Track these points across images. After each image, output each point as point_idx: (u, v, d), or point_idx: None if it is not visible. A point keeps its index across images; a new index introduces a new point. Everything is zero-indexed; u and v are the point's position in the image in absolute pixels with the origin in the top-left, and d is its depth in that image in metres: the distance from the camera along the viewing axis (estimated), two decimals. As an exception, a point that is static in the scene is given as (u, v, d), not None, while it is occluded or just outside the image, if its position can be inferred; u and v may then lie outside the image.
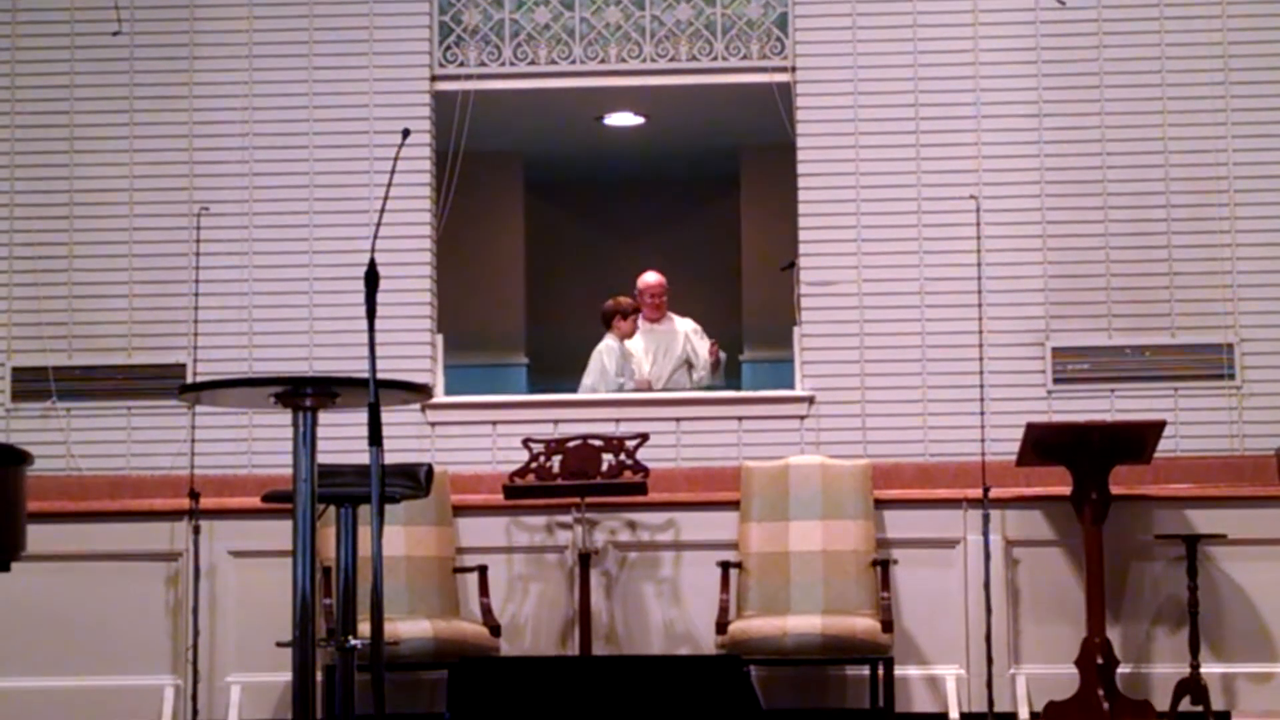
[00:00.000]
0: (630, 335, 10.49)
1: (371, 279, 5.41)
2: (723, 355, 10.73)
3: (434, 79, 9.03)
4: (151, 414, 8.78)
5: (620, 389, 10.08)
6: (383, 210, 5.79)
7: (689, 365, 10.65)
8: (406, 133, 5.79)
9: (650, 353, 10.63)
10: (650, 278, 10.81)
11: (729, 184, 12.84)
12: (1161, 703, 8.09)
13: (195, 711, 8.17)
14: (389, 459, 5.44)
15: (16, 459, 5.95)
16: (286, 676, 5.77)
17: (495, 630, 8.01)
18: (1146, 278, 8.69)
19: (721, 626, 7.92)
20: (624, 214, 13.46)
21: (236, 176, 8.92)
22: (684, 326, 10.75)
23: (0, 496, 5.84)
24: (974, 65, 8.83)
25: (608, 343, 10.42)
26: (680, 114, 11.08)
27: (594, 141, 12.03)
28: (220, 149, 8.95)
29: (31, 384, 8.83)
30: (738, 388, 11.05)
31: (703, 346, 10.65)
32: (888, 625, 7.77)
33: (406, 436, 8.57)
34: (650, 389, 10.28)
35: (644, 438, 8.17)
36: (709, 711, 6.30)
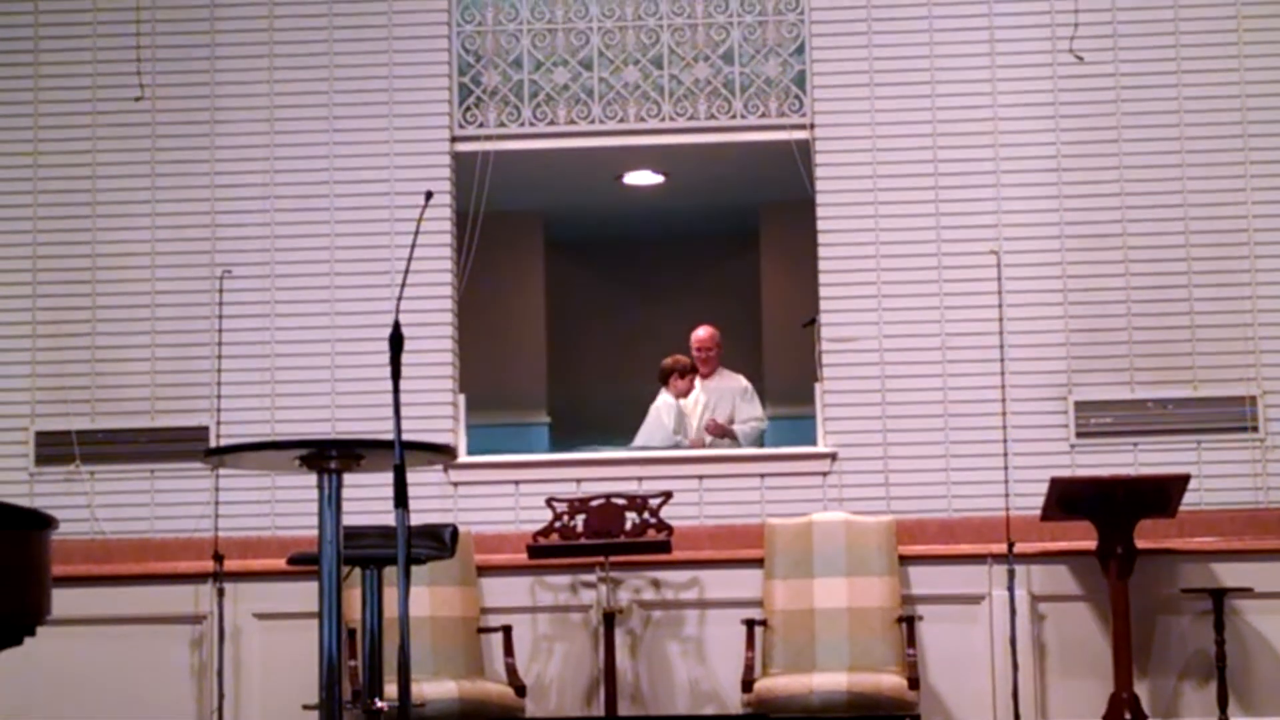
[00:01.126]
0: (686, 394, 10.49)
1: (396, 341, 5.41)
2: (744, 430, 10.59)
3: (454, 140, 9.06)
4: (175, 477, 8.79)
5: (677, 446, 10.09)
6: (406, 272, 5.80)
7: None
8: (429, 195, 5.81)
9: (702, 408, 10.60)
10: (701, 332, 10.81)
11: (749, 241, 12.85)
12: (1190, 758, 8.06)
13: (220, 775, 8.16)
14: (411, 520, 5.44)
15: (41, 523, 5.95)
16: (312, 739, 5.76)
17: (520, 691, 7.99)
18: (1168, 330, 8.68)
19: (747, 685, 7.90)
20: (644, 272, 13.48)
21: (258, 239, 8.95)
22: (735, 384, 10.70)
23: (25, 561, 5.84)
24: (993, 120, 8.85)
25: (665, 399, 10.44)
26: (700, 172, 11.10)
27: (614, 200, 12.05)
28: (242, 212, 8.98)
29: (55, 448, 8.85)
30: (760, 445, 11.02)
31: (746, 408, 10.59)
32: (914, 682, 7.74)
33: (429, 497, 8.57)
34: (703, 447, 10.26)
35: (667, 496, 8.17)
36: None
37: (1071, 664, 8.31)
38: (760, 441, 10.47)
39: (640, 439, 10.34)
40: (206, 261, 8.93)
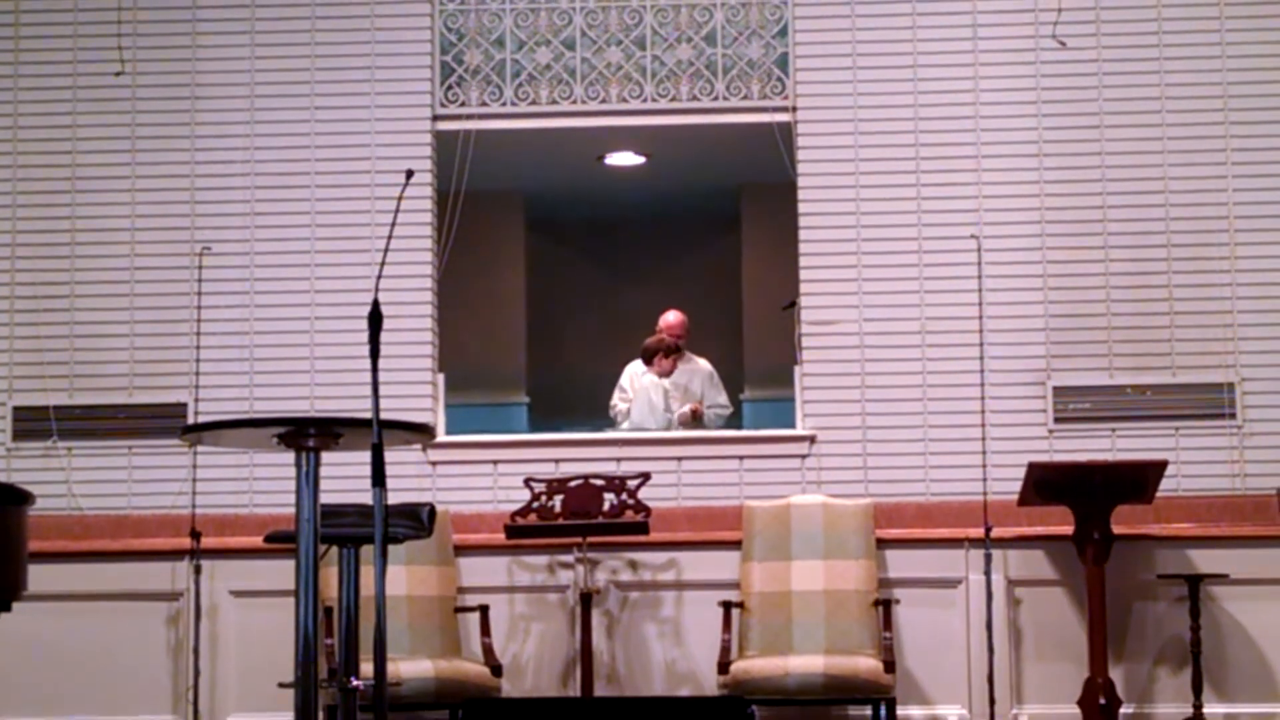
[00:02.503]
0: (668, 374, 10.49)
1: (375, 320, 5.41)
2: (711, 416, 10.59)
3: (435, 119, 9.05)
4: (153, 453, 8.77)
5: (668, 425, 10.10)
6: (386, 250, 5.80)
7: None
8: (410, 174, 5.80)
9: (670, 390, 10.60)
10: (671, 316, 10.81)
11: (730, 223, 12.85)
12: (1164, 743, 8.09)
13: (196, 752, 8.16)
14: (389, 498, 5.44)
15: (17, 499, 5.95)
16: (288, 717, 5.76)
17: (497, 670, 7.99)
18: (1147, 317, 8.70)
19: (723, 666, 7.91)
20: (625, 253, 13.47)
21: (238, 216, 8.93)
22: (702, 369, 10.70)
23: (1, 537, 5.83)
24: (975, 105, 8.85)
25: (652, 379, 10.42)
26: (681, 153, 11.09)
27: (595, 181, 12.04)
28: (222, 189, 8.96)
29: (32, 423, 8.83)
30: (739, 427, 11.04)
31: (713, 394, 10.60)
32: (890, 665, 7.76)
33: (407, 476, 8.56)
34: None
35: (645, 477, 8.17)
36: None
37: (1047, 649, 8.33)
38: (722, 424, 10.48)
39: (635, 418, 10.31)
40: (186, 238, 8.91)
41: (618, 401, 10.60)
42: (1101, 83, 8.83)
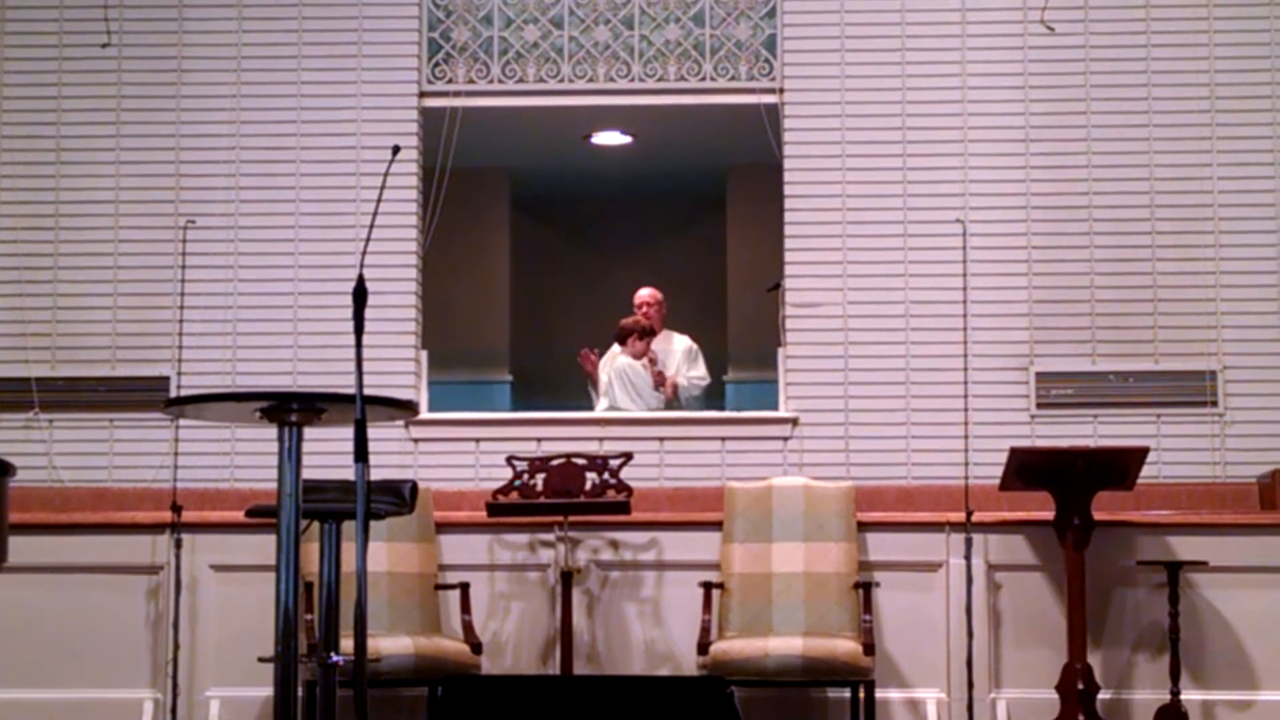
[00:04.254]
0: (642, 356, 10.43)
1: (360, 295, 5.39)
2: (685, 384, 10.54)
3: (422, 95, 9.04)
4: (134, 426, 8.77)
5: (646, 407, 10.07)
6: (371, 226, 5.79)
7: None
8: (397, 149, 5.78)
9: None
10: (644, 292, 10.76)
11: (716, 204, 12.85)
12: (1141, 729, 8.11)
13: (174, 725, 8.15)
14: (371, 475, 5.43)
15: (-1, 470, 5.94)
16: (267, 691, 5.76)
17: (476, 648, 7.99)
18: (1131, 304, 8.72)
19: (703, 647, 7.91)
20: (610, 233, 13.46)
21: (223, 190, 8.92)
22: (680, 345, 10.66)
23: (-18, 507, 5.83)
24: (962, 90, 8.86)
25: (629, 361, 10.36)
26: (668, 134, 11.09)
27: (581, 160, 12.03)
28: (207, 162, 8.95)
29: (14, 395, 8.82)
30: (721, 408, 11.04)
31: (690, 368, 10.57)
32: (869, 648, 7.76)
33: (389, 453, 8.57)
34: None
35: (628, 457, 8.17)
36: (692, 732, 6.30)
37: (1026, 633, 8.34)
38: (701, 403, 10.43)
39: (624, 400, 10.26)
40: (170, 211, 8.90)
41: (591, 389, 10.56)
42: (1089, 69, 8.85)
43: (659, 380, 10.28)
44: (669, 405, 10.19)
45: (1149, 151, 8.78)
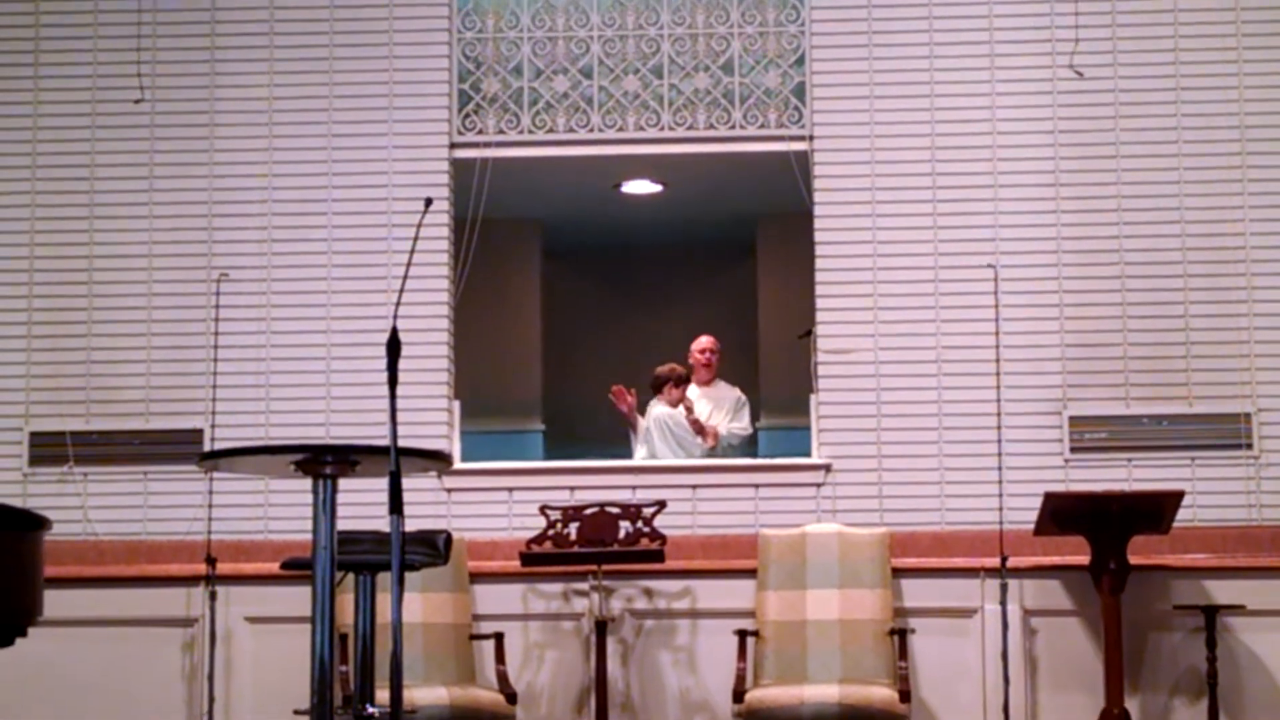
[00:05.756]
0: (678, 404, 10.44)
1: (394, 347, 5.41)
2: (725, 433, 10.55)
3: (453, 146, 9.07)
4: (168, 479, 8.78)
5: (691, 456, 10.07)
6: (405, 278, 5.81)
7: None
8: (429, 201, 5.81)
9: (706, 414, 10.57)
10: (705, 340, 10.81)
11: (746, 252, 12.86)
12: (1180, 774, 8.07)
13: (210, 778, 8.15)
14: (406, 526, 5.44)
15: (34, 524, 5.95)
16: (303, 744, 5.76)
17: (511, 698, 7.98)
18: (1164, 347, 8.69)
19: (738, 695, 7.89)
20: (641, 281, 13.48)
21: (256, 243, 8.95)
22: (730, 395, 10.69)
23: (17, 562, 5.84)
24: (992, 135, 8.86)
25: (667, 409, 10.36)
26: (698, 182, 11.11)
27: (612, 209, 12.05)
28: (240, 215, 8.98)
29: (49, 449, 8.84)
30: (754, 455, 11.02)
31: (739, 419, 10.57)
32: (905, 695, 7.74)
33: (423, 503, 8.56)
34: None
35: (661, 505, 8.16)
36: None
37: (1063, 679, 8.30)
38: (738, 454, 10.44)
39: (663, 450, 10.24)
40: (203, 264, 8.93)
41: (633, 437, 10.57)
42: (1118, 113, 8.84)
43: (697, 428, 10.28)
44: (711, 453, 10.21)
45: (1180, 194, 8.76)
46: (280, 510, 8.66)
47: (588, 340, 13.31)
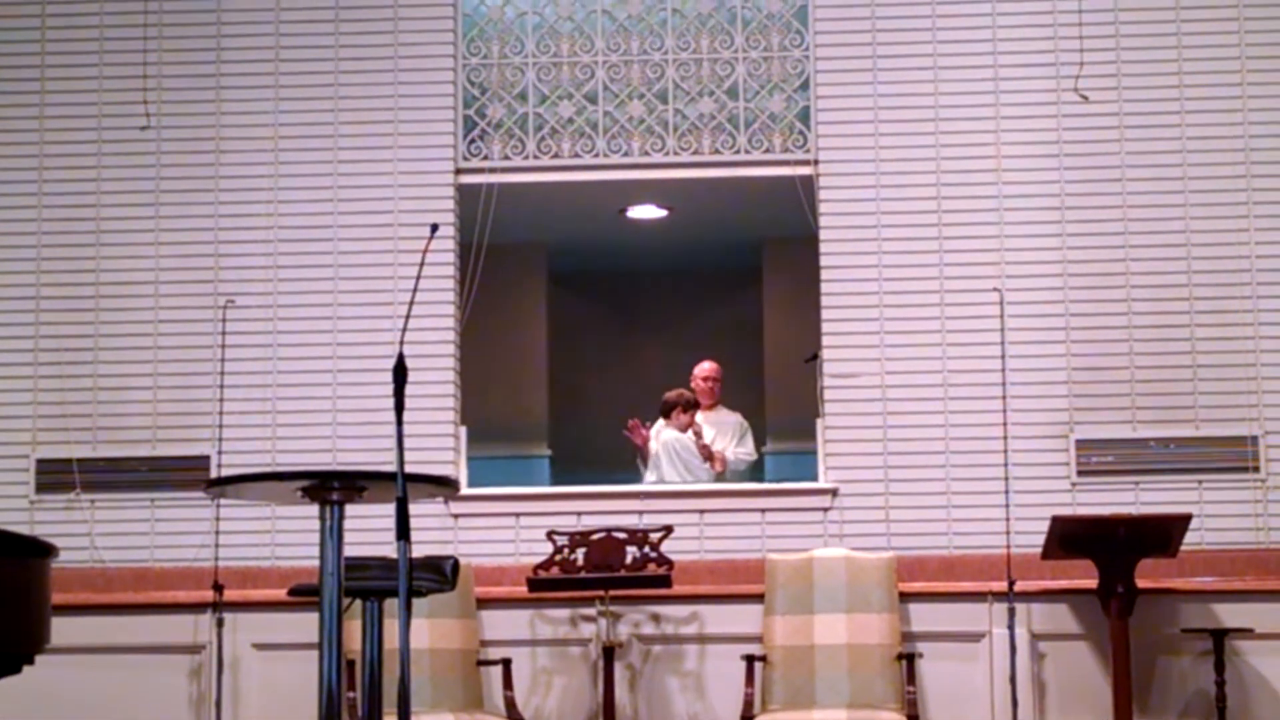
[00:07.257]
0: (686, 429, 10.47)
1: (400, 373, 5.41)
2: (733, 459, 10.59)
3: (458, 172, 9.08)
4: (175, 506, 8.78)
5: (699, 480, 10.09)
6: (411, 304, 5.81)
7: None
8: (435, 227, 5.82)
9: (706, 441, 10.59)
10: (707, 365, 10.87)
11: (752, 276, 12.85)
12: (1189, 798, 8.05)
13: (217, 805, 8.14)
14: (412, 551, 5.43)
15: (41, 551, 5.95)
16: (311, 771, 5.75)
17: (519, 724, 7.98)
18: (1170, 370, 8.69)
19: (746, 720, 7.89)
20: (647, 306, 13.48)
21: (262, 269, 8.96)
22: (732, 420, 10.73)
23: (24, 589, 5.83)
24: (996, 158, 8.86)
25: (676, 435, 10.38)
26: (703, 207, 11.11)
27: (617, 234, 12.05)
28: (246, 242, 8.99)
29: (56, 476, 8.85)
30: (760, 480, 11.02)
31: (742, 444, 10.60)
32: (913, 719, 7.73)
33: (429, 528, 8.55)
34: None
35: (668, 530, 8.16)
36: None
37: (1071, 703, 8.29)
38: (743, 478, 10.45)
39: (671, 474, 10.27)
40: (210, 291, 8.94)
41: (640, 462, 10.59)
42: (1123, 136, 8.85)
43: (705, 454, 10.30)
44: (719, 479, 10.22)
45: (1185, 217, 8.77)
46: (287, 537, 8.66)
47: (594, 365, 13.31)
